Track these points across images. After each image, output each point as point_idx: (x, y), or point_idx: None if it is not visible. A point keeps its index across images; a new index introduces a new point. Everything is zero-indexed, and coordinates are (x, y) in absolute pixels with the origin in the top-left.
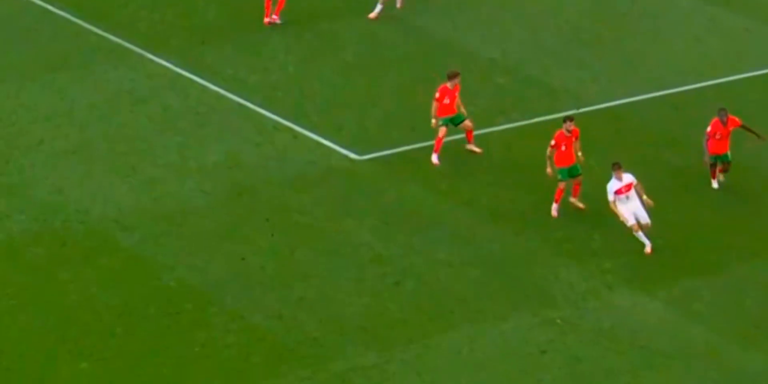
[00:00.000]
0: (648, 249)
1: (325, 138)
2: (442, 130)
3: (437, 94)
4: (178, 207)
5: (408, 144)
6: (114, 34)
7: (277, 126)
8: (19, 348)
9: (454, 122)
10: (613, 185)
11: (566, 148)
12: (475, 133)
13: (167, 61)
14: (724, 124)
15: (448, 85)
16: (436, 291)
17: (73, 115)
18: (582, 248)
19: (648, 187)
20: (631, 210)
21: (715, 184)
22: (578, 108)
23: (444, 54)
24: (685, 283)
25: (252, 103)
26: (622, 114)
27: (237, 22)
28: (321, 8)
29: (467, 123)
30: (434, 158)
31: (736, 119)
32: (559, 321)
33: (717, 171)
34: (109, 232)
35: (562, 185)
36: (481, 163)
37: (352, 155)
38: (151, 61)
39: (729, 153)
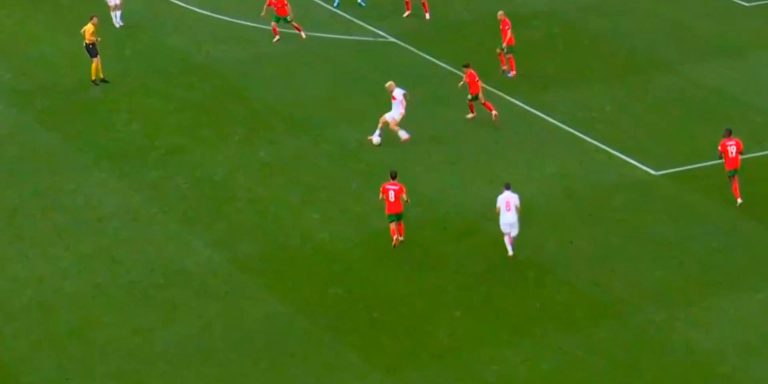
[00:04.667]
0: None
1: (631, 158)
2: None
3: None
4: (524, 204)
5: (691, 164)
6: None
7: (596, 148)
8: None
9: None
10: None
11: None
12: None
13: (518, 100)
14: None
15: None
16: (708, 268)
17: (447, 136)
18: None
19: None
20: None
21: None
22: None
23: (715, 99)
24: None
25: (578, 131)
26: None
27: (569, 73)
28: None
29: None
30: None
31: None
32: None
33: None
34: (476, 219)
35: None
36: (743, 175)
37: (651, 171)
38: (506, 100)
39: None
